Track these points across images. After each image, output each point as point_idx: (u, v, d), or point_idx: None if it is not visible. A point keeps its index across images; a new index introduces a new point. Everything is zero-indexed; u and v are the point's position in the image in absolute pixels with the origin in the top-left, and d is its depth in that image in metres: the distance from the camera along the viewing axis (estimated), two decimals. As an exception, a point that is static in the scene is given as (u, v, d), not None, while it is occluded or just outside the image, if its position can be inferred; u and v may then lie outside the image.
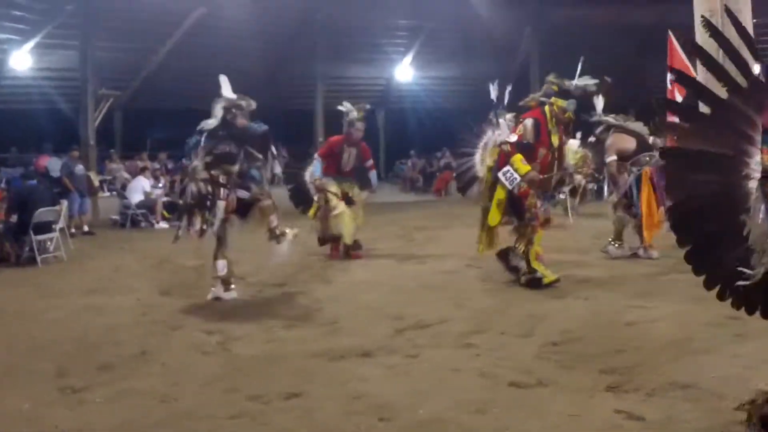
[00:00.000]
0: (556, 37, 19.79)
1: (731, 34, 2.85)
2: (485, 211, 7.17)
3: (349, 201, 9.06)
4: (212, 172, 6.60)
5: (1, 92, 19.40)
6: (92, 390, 4.36)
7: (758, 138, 2.70)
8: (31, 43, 17.76)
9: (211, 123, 6.69)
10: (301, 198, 9.72)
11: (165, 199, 14.77)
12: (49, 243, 9.77)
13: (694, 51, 2.93)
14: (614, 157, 8.51)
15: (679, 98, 8.79)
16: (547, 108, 7.02)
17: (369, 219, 9.59)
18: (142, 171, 15.69)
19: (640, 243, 8.54)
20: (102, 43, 17.34)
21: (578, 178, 7.59)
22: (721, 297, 2.91)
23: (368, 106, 9.51)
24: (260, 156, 6.81)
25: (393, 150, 26.18)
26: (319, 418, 3.83)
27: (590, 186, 9.84)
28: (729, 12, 3.01)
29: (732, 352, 4.65)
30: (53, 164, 13.44)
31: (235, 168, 6.70)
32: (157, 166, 19.00)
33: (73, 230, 12.03)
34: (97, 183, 15.71)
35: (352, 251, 9.07)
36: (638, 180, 8.37)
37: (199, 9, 18.74)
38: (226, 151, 6.66)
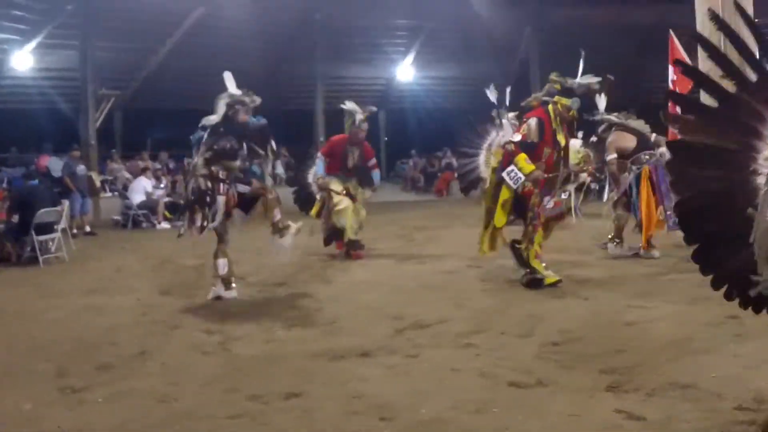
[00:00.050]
0: (556, 37, 19.80)
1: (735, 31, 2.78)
2: (489, 212, 7.15)
3: (351, 198, 9.06)
4: (212, 167, 6.60)
5: (1, 92, 19.44)
6: (92, 390, 4.36)
7: (767, 133, 2.63)
8: (32, 44, 17.79)
9: (212, 119, 6.69)
10: (305, 200, 9.74)
11: (167, 199, 14.80)
12: (50, 243, 9.79)
13: (698, 40, 2.85)
14: (614, 155, 8.52)
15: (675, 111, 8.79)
16: (550, 107, 7.00)
17: (369, 219, 9.60)
18: (143, 171, 15.71)
19: (641, 242, 8.53)
20: (102, 43, 17.38)
21: (583, 176, 7.58)
22: (728, 297, 2.86)
23: (374, 109, 9.51)
24: (261, 151, 6.81)
25: (394, 150, 26.19)
26: (319, 419, 3.83)
27: (593, 185, 9.87)
28: (737, 5, 2.94)
29: (732, 352, 4.65)
30: (54, 164, 13.47)
31: (236, 163, 6.70)
32: (158, 166, 18.99)
33: (74, 231, 12.05)
34: (98, 183, 15.73)
35: (353, 251, 9.07)
36: (638, 178, 8.37)
37: (199, 9, 18.77)
38: (227, 147, 6.65)
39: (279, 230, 6.82)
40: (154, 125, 22.99)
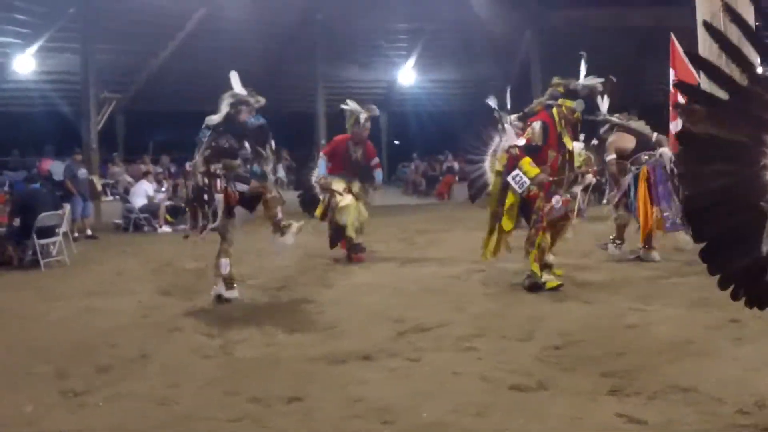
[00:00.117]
0: (557, 39, 19.81)
1: (734, 33, 2.75)
2: (494, 216, 7.13)
3: (354, 196, 9.06)
4: (210, 165, 6.61)
5: (3, 96, 19.49)
6: (93, 392, 4.37)
7: None
8: (33, 47, 17.81)
9: (215, 119, 6.71)
10: (309, 202, 9.74)
11: (168, 203, 14.80)
12: (52, 247, 9.80)
13: (708, 30, 2.76)
14: (614, 156, 8.53)
15: (681, 101, 8.80)
16: (554, 110, 6.99)
17: (371, 221, 9.59)
18: (145, 175, 15.71)
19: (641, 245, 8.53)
20: (103, 46, 17.37)
21: (589, 177, 7.59)
22: (734, 297, 2.82)
23: (375, 108, 9.50)
24: (261, 151, 6.81)
25: (395, 153, 26.21)
26: (320, 422, 3.83)
27: (601, 186, 9.87)
28: (730, 9, 2.89)
29: (732, 356, 4.64)
30: (56, 168, 13.50)
31: (237, 162, 6.70)
32: (159, 169, 19.01)
33: (76, 234, 12.05)
34: (100, 187, 15.74)
35: (353, 254, 9.07)
36: (636, 179, 8.37)
37: (201, 11, 18.79)
38: (227, 146, 6.66)
39: (280, 229, 6.82)
40: (156, 128, 23.04)
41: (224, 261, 6.78)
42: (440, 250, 9.98)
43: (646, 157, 8.36)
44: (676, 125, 8.85)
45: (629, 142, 8.56)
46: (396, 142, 26.51)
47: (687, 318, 5.70)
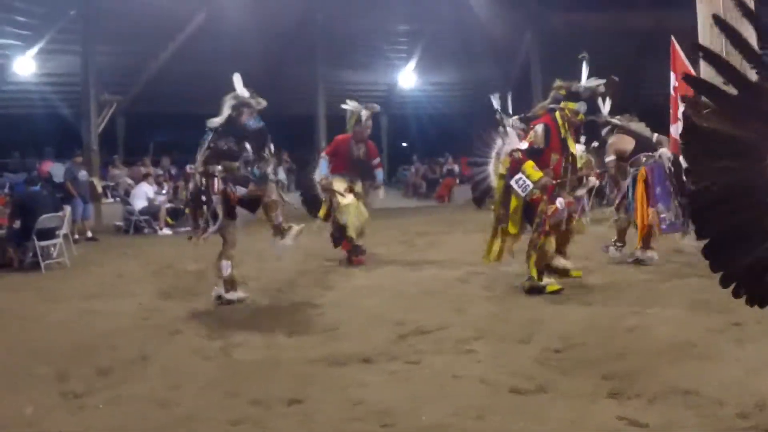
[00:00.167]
0: (557, 41, 19.82)
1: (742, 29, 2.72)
2: (498, 219, 7.13)
3: (356, 195, 9.06)
4: (208, 167, 6.62)
5: (3, 98, 19.50)
6: (93, 394, 4.37)
7: None
8: (33, 49, 17.84)
9: (216, 121, 6.72)
10: (311, 202, 9.74)
11: (168, 205, 14.81)
12: (52, 249, 9.80)
13: (718, 23, 2.71)
14: (613, 158, 8.54)
15: (682, 104, 8.79)
16: (557, 114, 6.99)
17: (371, 224, 9.58)
18: (145, 177, 15.72)
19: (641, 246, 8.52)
20: (104, 48, 17.38)
21: (592, 180, 7.57)
22: (736, 294, 2.80)
23: (377, 107, 9.51)
24: (263, 153, 6.82)
25: (396, 156, 26.23)
26: (320, 424, 3.83)
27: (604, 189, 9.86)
28: (741, 4, 2.82)
29: (733, 357, 4.64)
30: (56, 170, 13.50)
31: (236, 164, 6.71)
32: (160, 171, 19.02)
33: (76, 236, 12.05)
34: (100, 189, 15.75)
35: (354, 256, 9.07)
36: (635, 180, 8.38)
37: (201, 13, 18.81)
38: (226, 148, 6.67)
39: (280, 232, 6.82)
40: (157, 130, 23.05)
41: (225, 263, 6.78)
42: (440, 253, 9.98)
43: (644, 159, 8.36)
44: (676, 128, 8.86)
45: (629, 143, 8.56)
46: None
47: (687, 320, 5.70)
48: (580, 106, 6.98)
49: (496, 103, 7.84)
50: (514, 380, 4.38)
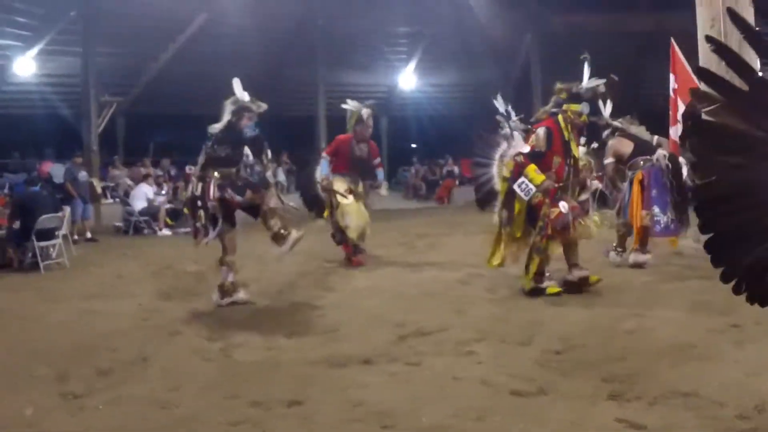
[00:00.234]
0: (557, 41, 19.84)
1: (736, 37, 2.72)
2: (502, 222, 7.11)
3: (356, 196, 9.06)
4: (205, 172, 6.63)
5: (3, 98, 19.49)
6: (93, 395, 4.37)
7: None
8: (34, 50, 17.84)
9: (216, 127, 6.74)
10: (312, 202, 9.73)
11: (168, 206, 14.81)
12: (51, 249, 9.80)
13: (730, 16, 2.71)
14: (612, 160, 8.54)
15: (681, 105, 8.82)
16: (560, 117, 6.97)
17: (371, 225, 9.57)
18: (145, 178, 15.72)
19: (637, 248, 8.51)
20: (104, 49, 17.40)
21: (595, 183, 7.55)
22: (736, 291, 2.79)
23: (374, 107, 9.51)
24: (262, 160, 6.83)
25: (396, 157, 26.23)
26: (320, 425, 3.83)
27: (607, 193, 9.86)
28: (732, 13, 2.84)
29: (733, 359, 4.64)
30: (56, 170, 13.51)
31: (232, 171, 6.71)
32: (160, 172, 19.02)
33: (75, 237, 12.06)
34: (99, 190, 15.75)
35: (353, 257, 9.07)
36: (631, 182, 8.38)
37: (202, 15, 18.81)
38: (223, 155, 6.68)
39: (278, 240, 6.81)
40: (157, 131, 23.05)
41: (223, 269, 6.81)
42: (440, 254, 9.98)
43: (643, 162, 8.36)
44: (675, 130, 8.88)
45: (627, 147, 8.56)
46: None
47: (687, 322, 5.70)
48: (583, 107, 6.97)
49: (500, 106, 7.83)
50: (515, 382, 4.38)
